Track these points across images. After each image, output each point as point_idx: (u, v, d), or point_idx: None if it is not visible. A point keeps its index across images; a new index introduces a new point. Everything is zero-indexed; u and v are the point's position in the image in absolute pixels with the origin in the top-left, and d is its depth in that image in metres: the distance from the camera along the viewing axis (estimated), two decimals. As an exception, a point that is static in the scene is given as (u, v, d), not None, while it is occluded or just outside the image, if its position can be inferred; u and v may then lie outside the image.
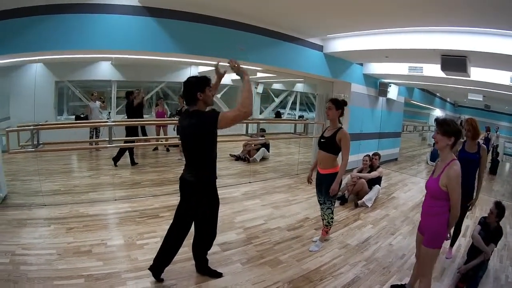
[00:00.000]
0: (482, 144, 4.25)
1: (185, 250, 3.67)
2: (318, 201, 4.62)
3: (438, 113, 16.86)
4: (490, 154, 12.04)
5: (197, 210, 3.36)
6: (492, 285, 3.90)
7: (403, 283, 3.67)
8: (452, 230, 3.16)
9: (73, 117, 11.36)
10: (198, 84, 3.19)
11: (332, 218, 4.54)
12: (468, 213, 4.60)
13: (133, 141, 7.93)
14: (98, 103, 9.70)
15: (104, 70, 11.29)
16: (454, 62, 5.70)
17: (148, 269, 3.42)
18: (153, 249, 3.99)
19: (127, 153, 8.11)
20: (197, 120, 3.11)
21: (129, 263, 3.79)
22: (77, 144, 7.83)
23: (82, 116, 10.31)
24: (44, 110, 9.37)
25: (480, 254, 3.96)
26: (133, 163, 8.19)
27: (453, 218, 2.86)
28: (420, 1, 4.15)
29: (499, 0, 3.73)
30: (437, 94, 15.93)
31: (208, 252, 3.74)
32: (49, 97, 10.25)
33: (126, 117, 8.89)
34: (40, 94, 9.58)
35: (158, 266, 3.43)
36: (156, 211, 5.42)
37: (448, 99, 18.15)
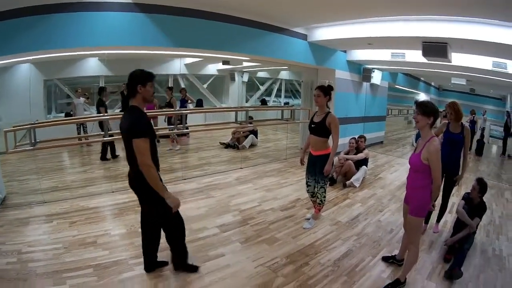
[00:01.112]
0: (466, 125, 4.52)
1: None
2: (307, 182, 4.84)
3: (422, 97, 17.13)
4: (476, 136, 12.44)
5: (150, 208, 3.37)
6: (480, 257, 4.13)
7: (393, 254, 3.92)
8: (435, 202, 3.39)
9: (62, 114, 11.31)
10: (141, 77, 3.07)
11: (324, 197, 4.79)
12: (454, 190, 4.89)
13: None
14: (82, 99, 9.66)
15: (92, 66, 11.23)
16: (435, 48, 5.93)
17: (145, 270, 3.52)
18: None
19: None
20: (129, 124, 3.01)
21: (134, 250, 3.94)
22: (72, 140, 7.91)
23: (71, 113, 10.32)
24: (34, 109, 9.29)
25: (465, 227, 4.20)
26: (105, 158, 8.15)
27: (436, 189, 3.12)
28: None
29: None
30: (421, 78, 16.18)
31: (207, 234, 3.88)
32: (39, 96, 10.20)
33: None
34: (30, 94, 9.52)
35: (146, 262, 3.54)
36: (154, 199, 5.56)
37: (432, 83, 18.42)
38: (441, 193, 4.66)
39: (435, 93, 19.11)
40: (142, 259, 3.60)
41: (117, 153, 8.31)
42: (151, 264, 3.54)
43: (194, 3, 5.58)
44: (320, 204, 4.83)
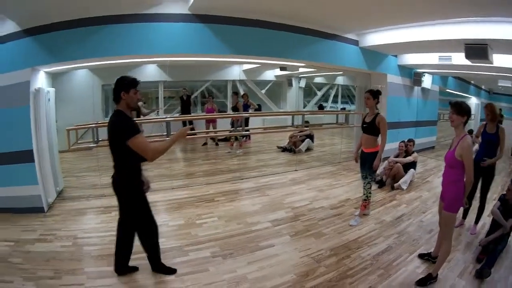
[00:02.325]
0: (501, 126, 4.82)
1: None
2: (362, 176, 5.40)
3: (474, 101, 16.71)
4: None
5: (125, 209, 3.47)
6: (511, 260, 4.26)
7: (429, 252, 4.24)
8: (467, 199, 3.64)
9: None
10: (125, 84, 3.17)
11: (370, 192, 5.32)
12: (491, 194, 5.09)
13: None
14: (140, 103, 10.50)
15: (150, 72, 12.01)
16: (476, 50, 6.03)
17: (115, 271, 3.64)
18: (211, 226, 4.92)
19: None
20: (112, 126, 3.15)
21: (190, 239, 4.55)
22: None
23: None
24: (92, 113, 9.99)
25: (500, 228, 4.38)
26: None
27: (468, 183, 3.45)
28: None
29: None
30: (472, 82, 15.77)
31: (260, 227, 4.40)
32: (97, 100, 10.98)
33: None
34: (88, 98, 10.46)
35: (118, 263, 3.64)
36: (212, 196, 6.25)
37: (483, 87, 17.86)
38: (478, 194, 4.94)
39: (485, 96, 18.46)
40: (197, 246, 4.28)
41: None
42: (123, 267, 3.66)
43: (249, 13, 6.05)
44: (366, 200, 5.33)
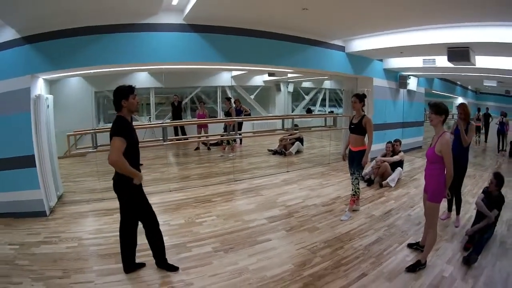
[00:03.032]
0: (472, 122, 5.21)
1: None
2: (350, 173, 5.69)
3: (460, 101, 17.00)
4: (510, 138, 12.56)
5: (126, 207, 3.66)
6: (498, 248, 4.51)
7: (417, 241, 4.50)
8: (448, 192, 3.89)
9: (109, 124, 12.21)
10: (123, 93, 3.44)
11: (358, 188, 5.59)
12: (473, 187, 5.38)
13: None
14: None
15: (142, 79, 12.12)
16: (458, 53, 6.38)
17: (124, 271, 3.78)
18: (210, 224, 5.15)
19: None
20: (111, 128, 3.41)
21: (192, 236, 4.77)
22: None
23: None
24: (85, 119, 9.94)
25: (485, 218, 4.66)
26: None
27: (449, 177, 3.74)
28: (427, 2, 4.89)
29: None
30: (458, 82, 16.19)
31: (257, 224, 4.66)
32: (89, 107, 10.90)
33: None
34: (81, 104, 10.50)
35: (125, 263, 3.79)
36: (208, 197, 6.47)
37: (469, 87, 18.33)
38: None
39: (472, 96, 18.98)
40: (199, 243, 4.51)
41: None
42: (130, 265, 3.81)
43: (241, 23, 6.37)
44: (354, 195, 5.60)
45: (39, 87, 5.85)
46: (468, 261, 4.02)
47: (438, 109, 3.76)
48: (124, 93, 3.45)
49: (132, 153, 3.47)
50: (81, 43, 5.45)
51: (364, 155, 5.34)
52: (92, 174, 7.68)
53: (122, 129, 3.39)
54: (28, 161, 5.40)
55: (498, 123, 12.55)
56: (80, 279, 3.66)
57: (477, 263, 4.04)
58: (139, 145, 3.70)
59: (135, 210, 3.67)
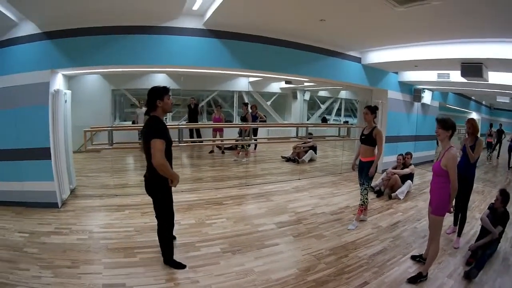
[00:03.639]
0: (480, 138, 5.27)
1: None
2: (359, 183, 5.78)
3: (474, 116, 16.83)
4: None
5: (155, 202, 3.82)
6: (500, 264, 4.57)
7: (421, 254, 4.59)
8: (453, 203, 4.01)
9: (124, 122, 12.69)
10: (158, 93, 3.56)
11: (366, 198, 5.71)
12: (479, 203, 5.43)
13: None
14: (144, 109, 10.73)
15: (159, 80, 12.15)
16: (471, 68, 6.41)
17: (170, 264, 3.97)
18: (220, 226, 5.32)
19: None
20: (147, 128, 3.54)
21: (201, 236, 4.92)
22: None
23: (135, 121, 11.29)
24: (101, 116, 10.54)
25: (488, 234, 4.74)
26: None
27: (453, 190, 3.82)
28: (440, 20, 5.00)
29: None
30: (472, 97, 16.05)
31: (265, 228, 4.80)
32: (106, 105, 11.43)
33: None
34: (98, 101, 10.88)
35: (169, 257, 3.99)
36: (220, 200, 6.64)
37: (483, 102, 18.16)
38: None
39: (486, 112, 18.79)
40: (208, 243, 4.66)
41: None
42: (172, 260, 4.01)
43: (259, 31, 6.52)
44: (362, 205, 5.72)
45: (58, 82, 6.01)
46: (469, 276, 4.10)
47: (445, 124, 3.86)
48: (160, 93, 3.58)
49: (167, 154, 3.57)
50: (101, 42, 5.62)
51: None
52: (106, 170, 7.92)
53: (161, 130, 3.50)
54: (43, 153, 5.58)
55: (510, 140, 12.49)
56: (88, 270, 3.83)
57: (478, 278, 4.12)
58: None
59: (164, 206, 3.84)
